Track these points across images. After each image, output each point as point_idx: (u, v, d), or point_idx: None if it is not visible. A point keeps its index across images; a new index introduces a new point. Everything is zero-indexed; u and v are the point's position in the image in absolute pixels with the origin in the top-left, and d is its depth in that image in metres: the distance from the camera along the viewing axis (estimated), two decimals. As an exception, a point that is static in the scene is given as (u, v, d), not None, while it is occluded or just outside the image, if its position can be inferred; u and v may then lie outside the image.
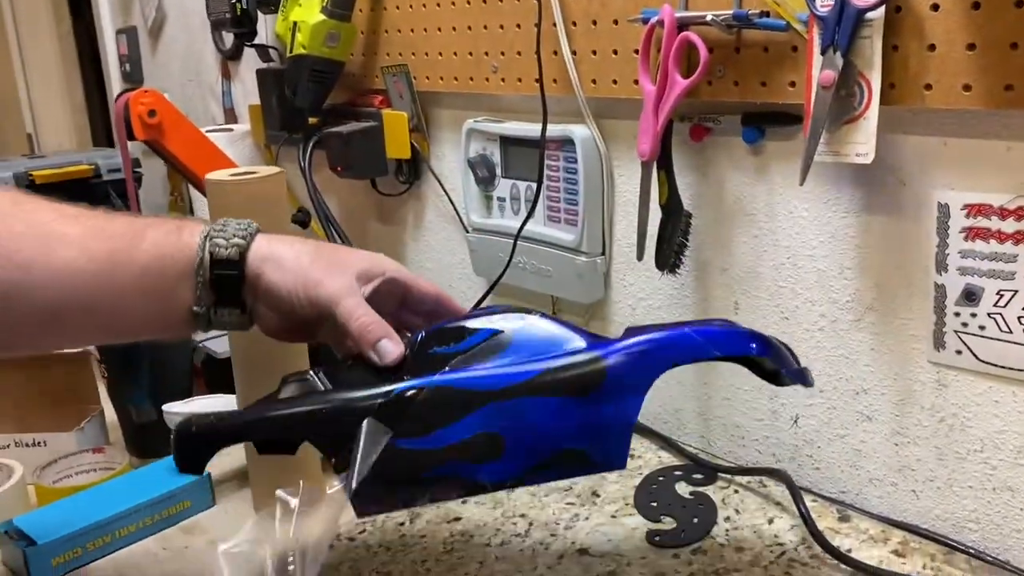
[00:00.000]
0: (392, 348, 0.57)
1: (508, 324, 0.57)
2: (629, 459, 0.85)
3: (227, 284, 0.58)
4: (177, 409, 0.83)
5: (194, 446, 0.57)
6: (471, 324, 0.58)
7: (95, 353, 0.93)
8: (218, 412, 0.59)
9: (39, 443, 0.90)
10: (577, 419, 0.53)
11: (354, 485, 0.52)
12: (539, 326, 0.57)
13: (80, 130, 2.76)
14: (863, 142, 0.65)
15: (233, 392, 0.82)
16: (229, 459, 0.89)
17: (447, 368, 0.55)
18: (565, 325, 0.57)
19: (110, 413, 0.94)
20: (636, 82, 0.79)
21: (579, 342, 0.55)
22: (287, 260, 0.59)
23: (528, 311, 0.57)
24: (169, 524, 0.80)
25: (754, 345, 0.56)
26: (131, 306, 0.58)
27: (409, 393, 0.54)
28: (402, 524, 0.77)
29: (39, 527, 0.74)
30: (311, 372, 0.60)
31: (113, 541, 0.77)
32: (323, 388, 0.58)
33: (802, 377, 0.59)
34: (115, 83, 1.93)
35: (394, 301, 0.63)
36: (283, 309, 0.59)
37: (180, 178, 1.50)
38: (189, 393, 0.92)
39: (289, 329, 0.61)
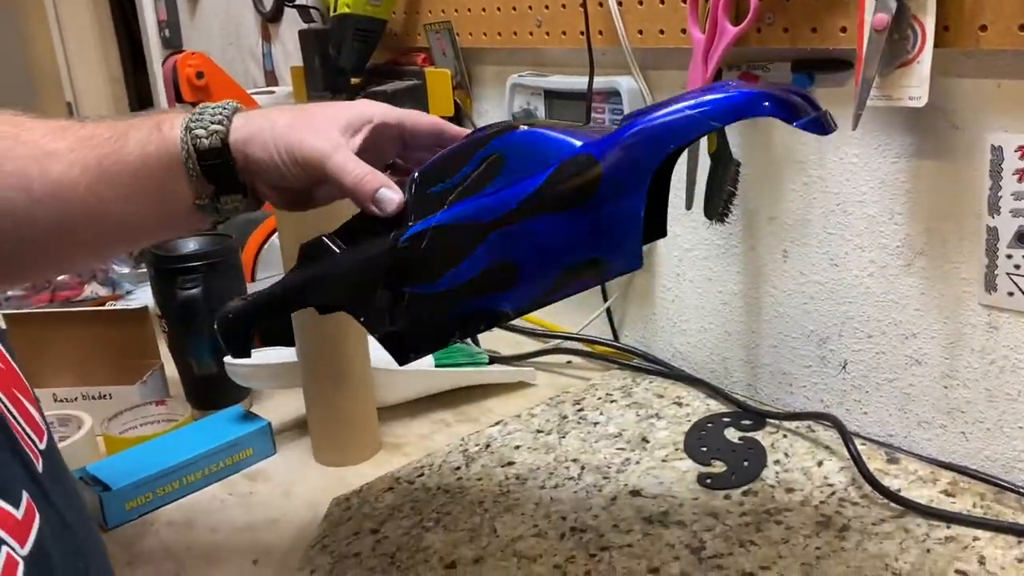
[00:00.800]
0: (391, 196, 0.56)
1: (500, 144, 0.54)
2: (677, 406, 0.87)
3: (221, 172, 0.57)
4: (239, 361, 0.86)
5: (237, 329, 0.59)
6: (463, 153, 0.56)
7: (155, 309, 0.96)
8: (247, 295, 0.61)
9: (104, 396, 0.94)
10: (584, 227, 0.51)
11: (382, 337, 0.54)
12: (530, 139, 0.54)
13: (117, 99, 2.79)
14: (916, 85, 0.65)
15: (288, 344, 0.85)
16: (288, 409, 0.92)
17: (446, 206, 0.54)
18: (557, 130, 0.54)
19: (170, 368, 0.97)
20: (684, 31, 0.80)
21: (574, 143, 0.52)
22: (266, 132, 0.56)
23: (516, 125, 0.54)
24: (233, 471, 0.83)
25: (766, 103, 0.48)
26: (134, 211, 0.57)
27: (414, 239, 0.54)
28: (458, 468, 0.79)
29: (111, 474, 0.78)
30: (324, 237, 0.59)
31: (181, 487, 0.80)
32: (336, 250, 0.58)
33: (821, 125, 0.49)
34: (154, 49, 1.95)
35: (393, 146, 0.59)
36: (278, 183, 0.58)
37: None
38: (246, 346, 0.94)
39: (295, 200, 0.61)
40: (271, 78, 1.56)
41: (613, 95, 0.89)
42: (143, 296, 1.20)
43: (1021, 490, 0.70)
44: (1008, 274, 0.67)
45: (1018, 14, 0.60)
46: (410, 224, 0.55)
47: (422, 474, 0.79)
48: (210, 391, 0.93)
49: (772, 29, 0.74)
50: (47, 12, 2.70)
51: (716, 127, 0.50)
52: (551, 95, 0.97)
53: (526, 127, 0.54)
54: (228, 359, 0.86)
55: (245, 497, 0.79)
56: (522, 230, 0.52)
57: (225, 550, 0.72)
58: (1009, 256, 0.67)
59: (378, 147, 0.60)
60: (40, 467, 0.37)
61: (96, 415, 0.88)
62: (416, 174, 0.57)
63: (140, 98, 2.72)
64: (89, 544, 0.40)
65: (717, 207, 0.81)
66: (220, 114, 0.57)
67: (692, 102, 0.49)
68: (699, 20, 0.77)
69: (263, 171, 0.57)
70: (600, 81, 0.89)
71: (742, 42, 0.75)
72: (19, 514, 0.33)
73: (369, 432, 0.85)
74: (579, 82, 0.91)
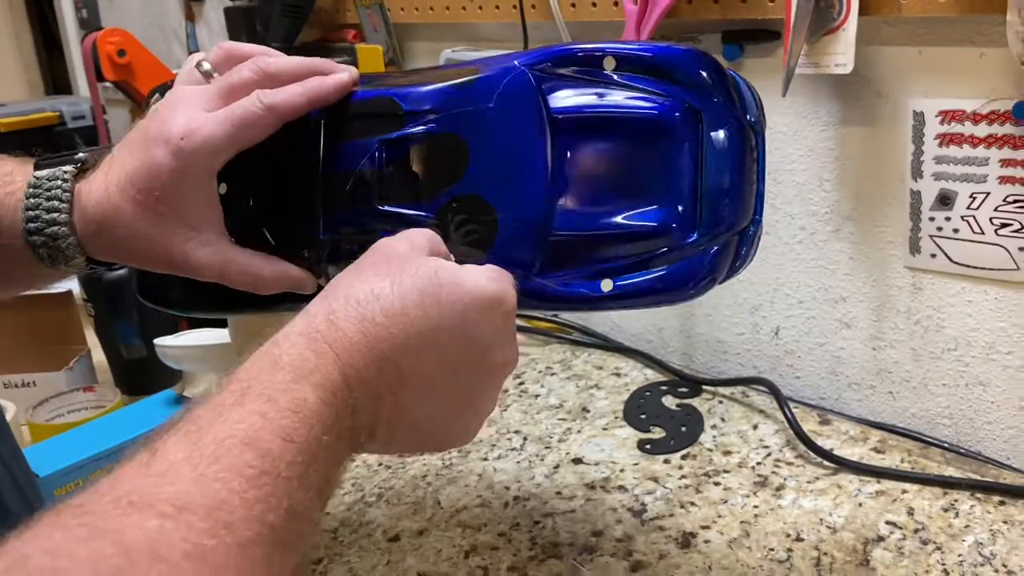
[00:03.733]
0: (306, 283, 0.52)
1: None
2: (616, 377, 0.88)
3: (85, 262, 0.51)
4: (169, 343, 0.83)
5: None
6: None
7: (81, 293, 0.93)
8: None
9: (29, 383, 0.90)
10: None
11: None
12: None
13: (33, 85, 2.68)
14: (842, 52, 0.67)
15: (219, 326, 0.83)
16: (222, 392, 0.90)
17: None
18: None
19: (97, 354, 0.95)
20: (616, 4, 0.80)
21: None
22: (117, 225, 0.49)
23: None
24: (167, 455, 0.81)
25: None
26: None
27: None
28: (400, 444, 0.79)
29: (39, 461, 0.75)
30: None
31: (113, 473, 0.77)
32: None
33: None
34: (71, 31, 1.88)
35: (259, 138, 0.49)
36: None
37: (147, 124, 1.48)
38: (176, 328, 0.92)
39: None
40: (196, 59, 1.52)
41: (547, 69, 0.89)
42: (67, 280, 1.16)
43: (945, 445, 0.72)
44: (931, 236, 0.70)
45: (937, -18, 0.62)
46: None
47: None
48: (140, 376, 0.91)
49: (703, 0, 0.75)
50: (-47, -6, 2.58)
51: None
52: (485, 70, 0.97)
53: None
54: (158, 341, 0.84)
55: (181, 480, 0.77)
56: None
57: (161, 533, 0.70)
58: (932, 219, 0.69)
59: (241, 136, 0.49)
60: None
61: (20, 403, 0.85)
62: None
63: (56, 84, 2.62)
64: (38, 504, 0.39)
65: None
66: (57, 205, 0.49)
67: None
68: (631, -9, 0.77)
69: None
70: (534, 55, 0.89)
71: (674, 13, 0.76)
72: None
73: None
74: (513, 56, 0.91)
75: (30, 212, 0.49)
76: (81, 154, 0.51)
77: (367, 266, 0.42)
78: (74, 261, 0.50)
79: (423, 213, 0.49)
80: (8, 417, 0.81)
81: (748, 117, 0.47)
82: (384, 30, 1.07)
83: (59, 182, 0.50)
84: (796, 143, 0.76)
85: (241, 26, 1.19)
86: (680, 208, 0.45)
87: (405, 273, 0.41)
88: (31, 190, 0.49)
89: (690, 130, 0.45)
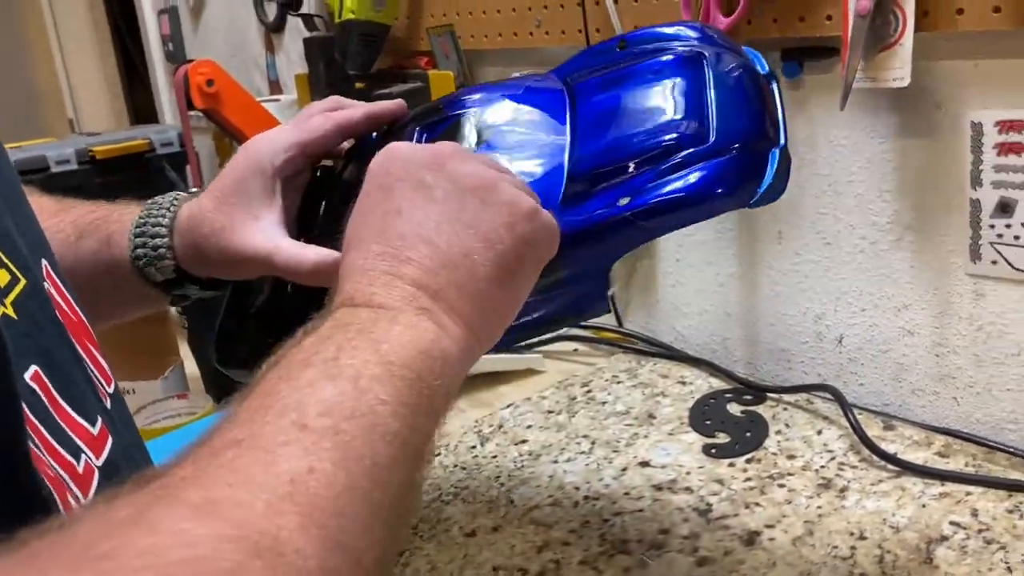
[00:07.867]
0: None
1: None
2: (681, 385, 0.91)
3: (177, 281, 0.58)
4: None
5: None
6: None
7: (175, 309, 1.00)
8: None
9: (128, 391, 0.97)
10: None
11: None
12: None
13: (119, 114, 2.83)
14: (899, 67, 0.69)
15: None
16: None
17: None
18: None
19: (189, 365, 1.01)
20: (678, 25, 0.84)
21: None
22: (201, 224, 0.56)
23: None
24: (256, 458, 0.86)
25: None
26: (100, 301, 0.56)
27: None
28: (474, 447, 0.82)
29: (140, 461, 0.81)
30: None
31: (207, 473, 0.83)
32: None
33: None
34: (157, 64, 1.99)
35: (324, 145, 0.57)
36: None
37: (229, 152, 1.56)
38: (264, 341, 0.98)
39: None
40: (275, 88, 1.59)
41: (611, 89, 0.93)
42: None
43: (1010, 449, 0.73)
44: (991, 243, 0.71)
45: (992, -3, 0.64)
46: None
47: (439, 453, 0.82)
48: (229, 384, 0.96)
49: (762, 19, 0.78)
50: (48, 31, 2.74)
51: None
52: (551, 92, 1.01)
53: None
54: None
55: (269, 481, 0.82)
56: None
57: (254, 528, 0.75)
58: (992, 226, 0.71)
59: (307, 154, 0.58)
60: (108, 405, 0.40)
61: (121, 409, 0.91)
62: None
63: (138, 113, 2.76)
64: None
65: (714, 191, 0.85)
66: (165, 218, 0.57)
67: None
68: (692, 13, 0.81)
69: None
70: (598, 76, 0.93)
71: (733, 33, 0.79)
72: (95, 431, 0.36)
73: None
74: (578, 78, 0.95)
75: (138, 249, 0.57)
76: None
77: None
78: (162, 264, 0.56)
79: None
80: (112, 421, 0.88)
81: (758, 67, 0.57)
82: (455, 56, 1.12)
83: (167, 201, 0.58)
84: (856, 156, 0.78)
85: (319, 56, 1.25)
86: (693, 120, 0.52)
87: None
88: (138, 229, 0.57)
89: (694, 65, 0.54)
